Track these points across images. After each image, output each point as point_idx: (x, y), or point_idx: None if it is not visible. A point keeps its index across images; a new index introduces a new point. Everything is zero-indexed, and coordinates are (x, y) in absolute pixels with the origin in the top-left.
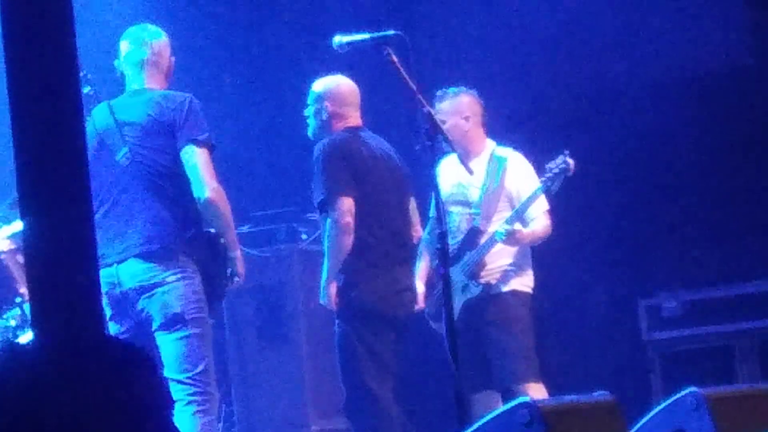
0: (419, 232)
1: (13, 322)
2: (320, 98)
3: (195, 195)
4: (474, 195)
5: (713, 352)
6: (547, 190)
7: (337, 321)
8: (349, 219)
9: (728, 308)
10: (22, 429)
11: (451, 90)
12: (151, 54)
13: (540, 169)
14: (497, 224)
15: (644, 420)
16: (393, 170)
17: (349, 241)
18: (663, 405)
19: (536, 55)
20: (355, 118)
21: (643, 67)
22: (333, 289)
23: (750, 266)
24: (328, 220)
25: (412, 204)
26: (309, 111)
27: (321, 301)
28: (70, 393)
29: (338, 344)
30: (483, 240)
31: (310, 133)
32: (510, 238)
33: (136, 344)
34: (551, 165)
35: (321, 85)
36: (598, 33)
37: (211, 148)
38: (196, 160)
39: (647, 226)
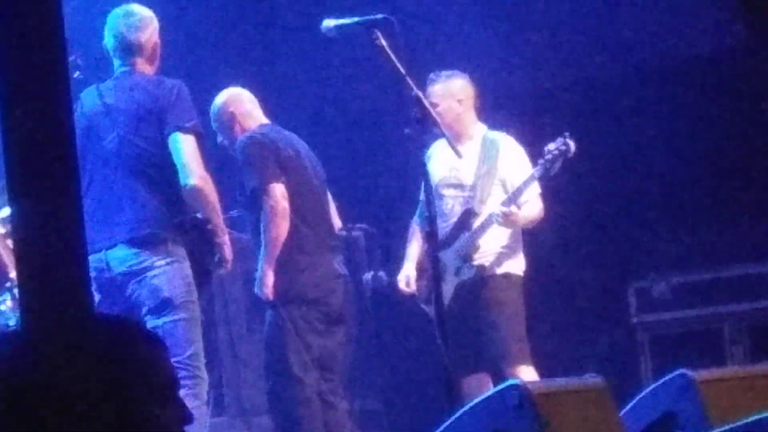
0: (339, 224)
1: (3, 307)
2: (224, 108)
3: (181, 182)
4: (467, 178)
5: (703, 335)
6: (546, 172)
7: (270, 308)
8: (285, 204)
9: (718, 291)
10: (9, 414)
11: (444, 73)
12: (132, 44)
13: (534, 153)
14: (491, 207)
15: (634, 402)
16: (312, 161)
17: (286, 226)
18: (652, 387)
19: (528, 39)
20: (262, 117)
21: (633, 51)
22: (271, 277)
23: (739, 249)
24: (264, 208)
25: (330, 197)
26: (217, 126)
27: (256, 291)
28: (57, 378)
29: (268, 331)
30: (477, 222)
31: (221, 141)
32: (506, 220)
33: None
34: (551, 146)
35: (220, 97)
36: (589, 16)
37: (199, 135)
38: (183, 147)
39: (637, 209)
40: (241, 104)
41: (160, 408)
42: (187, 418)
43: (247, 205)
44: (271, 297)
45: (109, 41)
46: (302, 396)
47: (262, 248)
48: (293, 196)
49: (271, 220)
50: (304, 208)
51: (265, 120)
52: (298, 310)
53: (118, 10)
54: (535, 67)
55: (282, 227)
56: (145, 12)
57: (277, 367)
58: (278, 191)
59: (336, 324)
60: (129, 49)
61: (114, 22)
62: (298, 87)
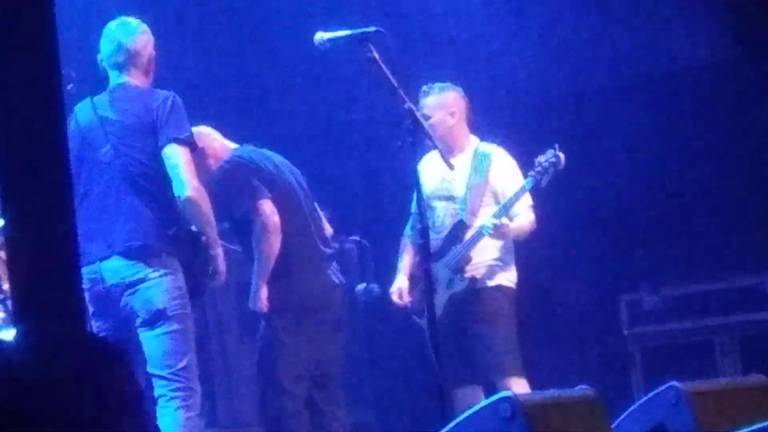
0: (331, 230)
1: None
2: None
3: (176, 194)
4: (458, 190)
5: (694, 347)
6: (536, 184)
7: (263, 320)
8: (276, 219)
9: (709, 303)
10: (3, 424)
11: (437, 85)
12: (128, 55)
13: (526, 165)
14: (482, 219)
15: (625, 414)
16: (293, 173)
17: (278, 240)
18: (644, 399)
19: (519, 52)
20: (230, 143)
21: (623, 63)
22: (265, 291)
23: (731, 261)
24: (255, 226)
25: (316, 205)
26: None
27: (251, 306)
28: (50, 389)
29: (261, 343)
30: (468, 235)
31: (204, 178)
32: (497, 232)
33: (112, 340)
34: (541, 159)
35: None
36: (579, 29)
37: (194, 147)
38: (177, 159)
39: (629, 221)
40: (207, 138)
41: (126, 422)
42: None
43: (236, 231)
44: (265, 309)
45: (105, 50)
46: (291, 408)
47: (255, 263)
48: (281, 211)
49: (263, 235)
50: (293, 221)
51: (233, 144)
52: (295, 321)
53: (114, 21)
54: (527, 79)
55: (274, 242)
56: (141, 24)
57: (268, 379)
58: (267, 207)
59: (335, 331)
60: (125, 59)
61: (110, 32)
62: (291, 100)
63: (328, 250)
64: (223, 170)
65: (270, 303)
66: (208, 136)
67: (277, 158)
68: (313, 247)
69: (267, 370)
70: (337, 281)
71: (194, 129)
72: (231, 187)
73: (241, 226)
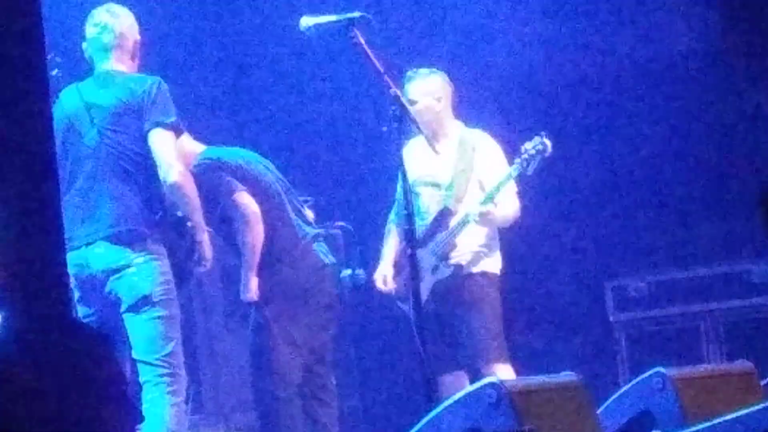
0: (312, 214)
1: None
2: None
3: (161, 179)
4: (444, 176)
5: (679, 333)
6: (523, 171)
7: (255, 309)
8: (255, 208)
9: (694, 289)
10: None
11: (422, 70)
12: (115, 36)
13: (513, 152)
14: (468, 205)
15: (611, 400)
16: (262, 163)
17: (261, 229)
18: (629, 385)
19: (505, 37)
20: (197, 145)
21: (611, 50)
22: (254, 281)
23: (716, 248)
24: (237, 220)
25: (293, 192)
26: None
27: (242, 297)
28: (33, 373)
29: (253, 332)
30: (454, 221)
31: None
32: (483, 219)
33: (95, 325)
34: (527, 146)
35: None
36: (571, 15)
37: (179, 132)
38: (163, 144)
39: (614, 208)
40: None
41: (108, 406)
42: (138, 416)
43: (220, 233)
44: (255, 299)
45: (90, 35)
46: (284, 395)
47: (243, 256)
48: (258, 200)
49: (246, 225)
50: (272, 208)
51: (199, 146)
52: (288, 307)
53: (99, 7)
54: (513, 65)
55: (257, 231)
56: (126, 9)
57: (261, 367)
58: (244, 198)
59: (327, 312)
60: (110, 40)
61: (96, 16)
62: (276, 86)
63: (313, 230)
64: (193, 175)
65: (260, 292)
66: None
67: (244, 152)
68: (297, 230)
69: (260, 358)
70: (327, 261)
71: None
72: (204, 190)
73: (222, 226)
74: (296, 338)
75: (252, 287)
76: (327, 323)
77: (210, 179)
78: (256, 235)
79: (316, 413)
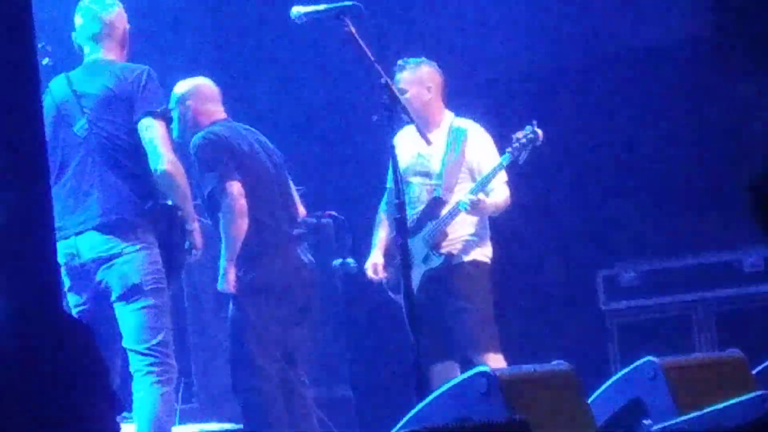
0: (304, 212)
1: None
2: (183, 99)
3: (152, 167)
4: (434, 166)
5: (670, 322)
6: (514, 160)
7: (232, 301)
8: (243, 201)
9: (685, 278)
10: None
11: (413, 60)
12: (104, 26)
13: (504, 141)
14: (458, 195)
15: (602, 389)
16: (267, 151)
17: (244, 223)
18: (620, 374)
19: (495, 27)
20: (220, 112)
21: (601, 38)
22: (232, 273)
23: (707, 237)
24: (223, 207)
25: (292, 186)
26: (174, 114)
27: (219, 287)
28: (19, 361)
29: (231, 324)
30: (445, 210)
31: (175, 135)
32: (474, 208)
33: (86, 315)
34: (519, 135)
35: (181, 87)
36: (559, 3)
37: (169, 121)
38: (153, 133)
39: (605, 197)
40: (200, 98)
41: (92, 397)
42: (119, 406)
43: (206, 206)
44: (233, 290)
45: (79, 24)
46: (265, 386)
47: (223, 246)
48: (251, 191)
49: (230, 218)
50: (262, 202)
51: (219, 115)
52: (264, 302)
53: (82, 1)
54: (503, 54)
55: (241, 224)
56: (108, 0)
57: (240, 358)
58: (235, 189)
59: (302, 313)
60: (100, 29)
61: (85, 6)
62: (266, 74)
63: (297, 231)
64: (196, 145)
65: (238, 284)
66: (200, 96)
67: (254, 137)
68: (283, 228)
69: (238, 350)
70: (306, 260)
71: (195, 82)
72: (202, 164)
73: (210, 202)
74: (271, 333)
75: (229, 278)
76: (300, 323)
77: (209, 156)
78: (238, 228)
79: (293, 405)
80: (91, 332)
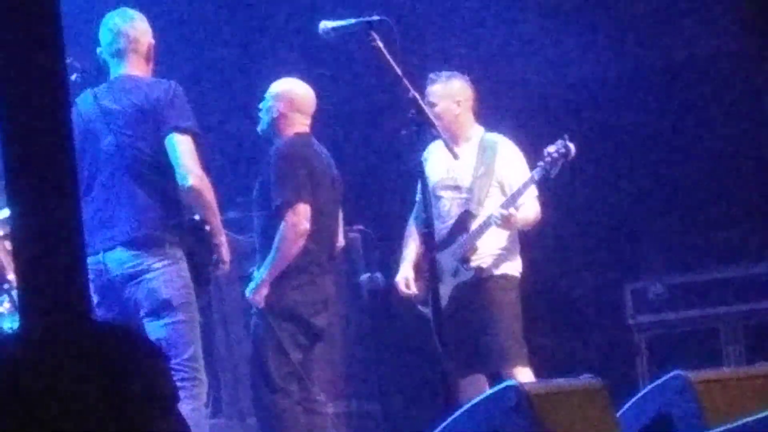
0: (342, 242)
1: (2, 309)
2: (276, 97)
3: (179, 182)
4: (464, 180)
5: (699, 336)
6: (546, 175)
7: (256, 317)
8: (307, 225)
9: (714, 291)
10: (8, 417)
11: (444, 74)
12: (128, 41)
13: (535, 155)
14: (488, 209)
15: (630, 403)
16: (334, 179)
17: (299, 247)
18: (649, 388)
19: (527, 40)
20: (303, 125)
21: (631, 53)
22: (266, 289)
23: (736, 250)
24: (285, 223)
25: (340, 213)
26: (264, 105)
27: (247, 294)
28: (54, 380)
29: (253, 341)
30: (475, 224)
31: (259, 128)
32: (505, 222)
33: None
34: (551, 149)
35: (280, 85)
36: (586, 17)
37: (195, 136)
38: (180, 148)
39: (633, 211)
40: (289, 104)
41: (159, 420)
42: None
43: (262, 205)
44: (261, 306)
45: (104, 39)
46: (285, 404)
47: (269, 257)
48: (313, 217)
49: (291, 237)
50: (317, 229)
51: (302, 128)
52: (286, 325)
53: (113, 12)
54: (534, 68)
55: (295, 247)
56: (139, 13)
57: (261, 375)
58: (305, 212)
59: (317, 340)
60: (125, 45)
61: (110, 21)
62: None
63: (334, 262)
64: (280, 153)
65: (267, 302)
66: (291, 104)
67: (327, 160)
68: (325, 258)
69: (259, 366)
70: (327, 295)
71: (292, 86)
72: (281, 174)
73: (276, 213)
74: (291, 354)
75: (262, 292)
76: (315, 347)
77: (289, 170)
78: (292, 249)
79: (311, 422)
80: (159, 350)
